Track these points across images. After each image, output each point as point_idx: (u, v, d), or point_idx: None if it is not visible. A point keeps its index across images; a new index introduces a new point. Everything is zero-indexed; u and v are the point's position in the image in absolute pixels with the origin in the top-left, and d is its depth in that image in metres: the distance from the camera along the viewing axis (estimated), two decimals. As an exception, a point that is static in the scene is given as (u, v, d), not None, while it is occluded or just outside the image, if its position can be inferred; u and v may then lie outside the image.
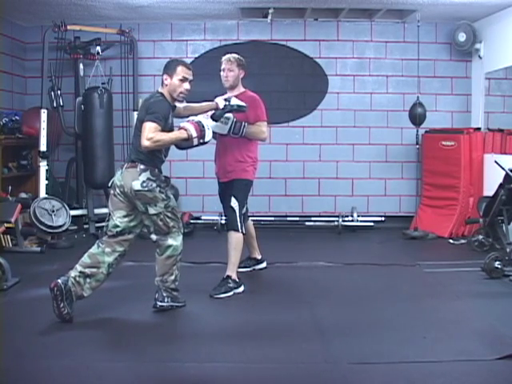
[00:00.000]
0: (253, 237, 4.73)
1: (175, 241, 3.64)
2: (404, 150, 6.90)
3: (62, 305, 3.34)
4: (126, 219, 3.57)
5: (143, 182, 3.49)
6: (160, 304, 3.66)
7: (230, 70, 4.32)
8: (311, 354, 3.01)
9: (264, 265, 4.83)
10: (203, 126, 3.61)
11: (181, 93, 3.61)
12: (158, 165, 3.63)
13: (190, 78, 3.65)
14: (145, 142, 3.40)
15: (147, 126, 3.42)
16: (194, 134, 3.57)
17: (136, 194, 3.49)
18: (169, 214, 3.60)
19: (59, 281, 3.36)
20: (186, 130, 3.57)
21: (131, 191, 3.49)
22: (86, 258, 3.52)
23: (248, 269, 4.72)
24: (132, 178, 3.49)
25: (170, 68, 3.61)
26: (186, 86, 3.62)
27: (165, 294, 3.67)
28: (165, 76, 3.61)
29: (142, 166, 3.51)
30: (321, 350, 3.06)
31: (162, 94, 3.60)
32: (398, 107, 6.86)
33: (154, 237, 3.64)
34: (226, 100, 4.01)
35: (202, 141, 3.61)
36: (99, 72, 6.25)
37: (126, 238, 3.59)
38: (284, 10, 6.40)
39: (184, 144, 3.65)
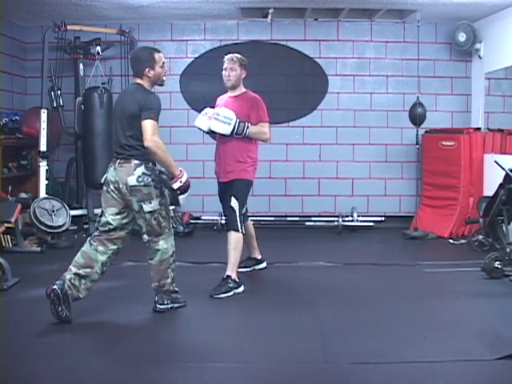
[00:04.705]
0: (253, 237, 4.73)
1: (166, 243, 3.60)
2: (404, 150, 6.90)
3: (59, 309, 3.33)
4: (118, 216, 3.54)
5: (139, 176, 3.45)
6: (160, 307, 3.65)
7: (232, 69, 4.30)
8: (311, 354, 3.01)
9: (264, 265, 4.83)
10: (188, 187, 3.59)
11: (163, 77, 3.63)
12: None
13: (164, 60, 3.64)
14: (149, 143, 3.39)
15: (150, 125, 3.41)
16: (180, 184, 3.53)
17: (131, 189, 3.46)
18: (163, 213, 3.58)
19: (55, 286, 3.33)
20: (181, 171, 3.55)
21: (127, 187, 3.46)
22: (79, 258, 3.50)
23: (248, 269, 4.71)
24: (127, 174, 3.46)
25: (148, 60, 3.54)
26: (166, 68, 3.64)
27: (164, 297, 3.66)
28: (147, 69, 3.53)
29: (136, 161, 3.48)
30: (321, 349, 3.06)
31: (144, 87, 3.56)
32: (398, 107, 6.85)
33: (145, 237, 3.60)
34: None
35: (178, 192, 3.55)
36: (99, 72, 6.25)
37: (119, 235, 3.55)
38: (284, 9, 6.39)
39: (166, 176, 3.56)
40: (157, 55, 3.57)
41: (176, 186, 3.53)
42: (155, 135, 3.42)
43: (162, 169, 3.55)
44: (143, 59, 3.56)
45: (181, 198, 3.59)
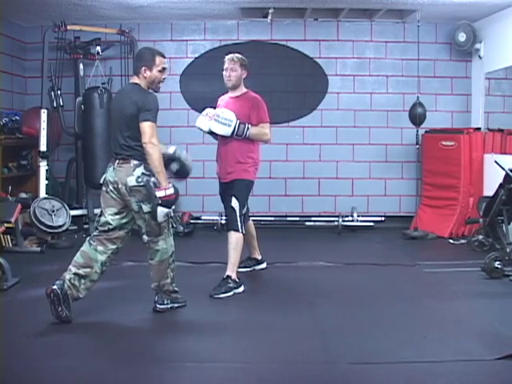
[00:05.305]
0: (253, 237, 4.73)
1: (165, 243, 3.60)
2: (404, 150, 6.90)
3: (59, 309, 3.33)
4: (117, 216, 3.54)
5: (138, 177, 3.44)
6: (160, 307, 3.65)
7: (232, 69, 4.29)
8: (311, 353, 3.01)
9: (264, 265, 4.83)
10: (172, 204, 3.45)
11: (159, 82, 3.58)
12: None
13: (166, 66, 3.60)
14: (147, 145, 3.39)
15: (149, 127, 3.40)
16: (164, 194, 3.38)
17: (131, 190, 3.45)
18: None
19: (55, 286, 3.32)
20: (169, 184, 3.43)
21: (126, 187, 3.46)
22: (78, 258, 3.49)
23: (248, 269, 4.71)
24: (127, 174, 3.45)
25: (147, 60, 3.52)
26: (164, 75, 3.59)
27: (164, 297, 3.66)
28: (143, 68, 3.50)
29: (135, 162, 3.47)
30: (321, 349, 3.06)
31: (141, 87, 3.53)
32: (398, 107, 6.85)
33: (145, 238, 3.59)
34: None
35: (159, 201, 3.38)
36: (99, 72, 6.24)
37: (118, 234, 3.55)
38: (284, 10, 6.39)
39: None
40: (158, 58, 3.54)
41: (159, 194, 3.38)
42: (154, 137, 3.41)
43: (154, 178, 3.44)
44: (143, 58, 3.55)
45: (160, 209, 3.39)
